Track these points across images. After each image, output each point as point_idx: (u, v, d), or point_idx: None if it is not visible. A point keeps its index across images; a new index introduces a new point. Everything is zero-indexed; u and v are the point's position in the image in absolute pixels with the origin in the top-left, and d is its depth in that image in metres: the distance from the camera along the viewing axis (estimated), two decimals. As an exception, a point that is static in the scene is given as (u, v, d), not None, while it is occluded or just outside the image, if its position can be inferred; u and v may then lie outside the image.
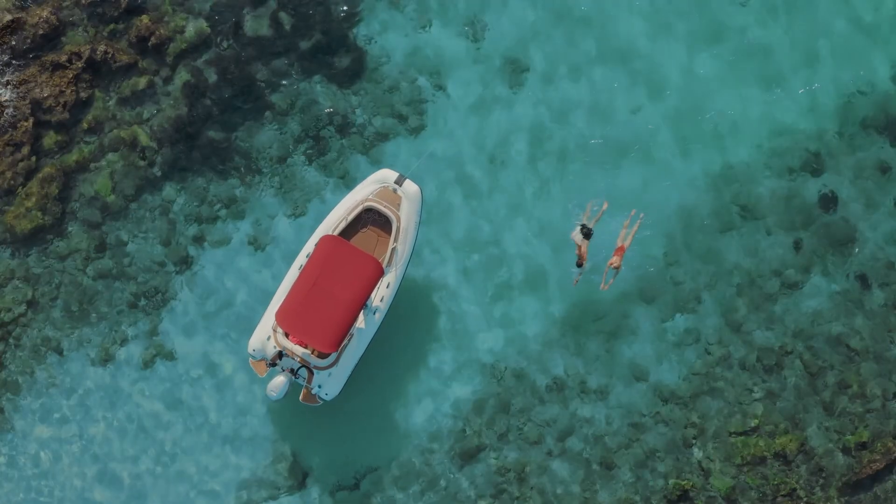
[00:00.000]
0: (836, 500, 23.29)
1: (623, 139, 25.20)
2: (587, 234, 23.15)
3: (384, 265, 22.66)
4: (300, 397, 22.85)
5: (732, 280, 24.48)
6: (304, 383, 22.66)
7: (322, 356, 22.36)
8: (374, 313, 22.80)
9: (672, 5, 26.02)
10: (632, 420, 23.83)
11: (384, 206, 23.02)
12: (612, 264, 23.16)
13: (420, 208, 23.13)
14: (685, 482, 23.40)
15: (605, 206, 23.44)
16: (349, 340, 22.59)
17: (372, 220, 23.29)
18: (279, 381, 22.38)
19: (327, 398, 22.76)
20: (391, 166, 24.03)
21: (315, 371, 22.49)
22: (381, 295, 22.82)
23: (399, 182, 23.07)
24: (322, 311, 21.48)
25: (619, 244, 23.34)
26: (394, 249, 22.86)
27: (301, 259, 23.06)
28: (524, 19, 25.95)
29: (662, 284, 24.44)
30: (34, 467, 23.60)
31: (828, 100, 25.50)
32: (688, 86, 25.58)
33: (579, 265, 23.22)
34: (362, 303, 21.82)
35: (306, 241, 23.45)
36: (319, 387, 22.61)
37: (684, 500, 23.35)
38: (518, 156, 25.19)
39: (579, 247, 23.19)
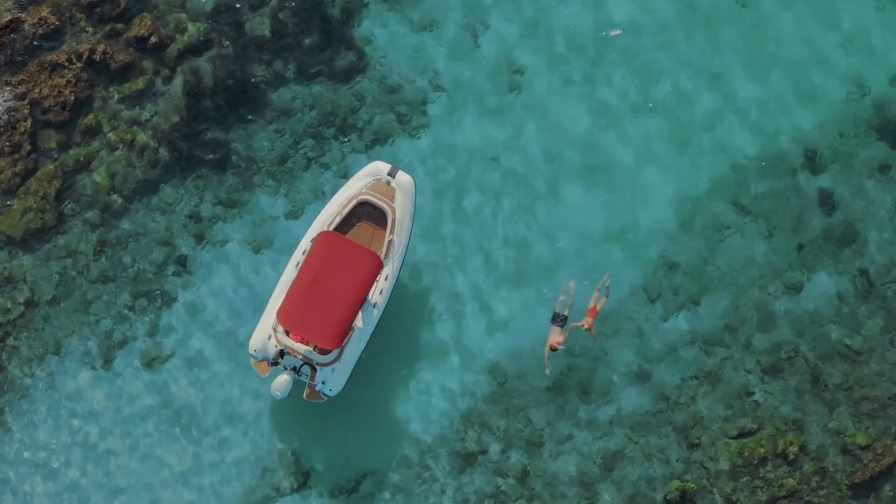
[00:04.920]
0: (837, 502, 23.26)
1: (624, 138, 25.23)
2: (561, 322, 23.03)
3: (382, 258, 22.61)
4: (304, 395, 22.78)
5: (733, 281, 24.46)
6: (308, 381, 22.60)
7: (324, 352, 22.31)
8: (374, 307, 22.75)
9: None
10: (632, 421, 23.79)
11: (378, 199, 22.98)
12: (582, 326, 22.95)
13: (414, 199, 23.10)
14: (686, 483, 23.37)
15: (572, 289, 23.32)
16: (350, 335, 22.53)
17: (367, 213, 23.25)
18: (282, 379, 22.33)
19: (331, 394, 22.68)
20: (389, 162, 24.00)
21: (318, 368, 22.44)
22: (380, 288, 22.78)
23: (392, 174, 23.04)
24: (323, 307, 21.43)
25: (592, 305, 23.22)
26: (390, 242, 22.81)
27: (298, 257, 23.00)
28: (524, 20, 25.92)
29: (663, 285, 24.42)
30: (33, 468, 23.53)
31: (828, 101, 25.50)
32: (687, 87, 25.59)
33: (553, 349, 23.03)
34: (363, 297, 21.77)
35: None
36: (323, 383, 22.54)
37: (685, 501, 23.31)
38: (517, 154, 25.19)
39: (553, 334, 22.98)
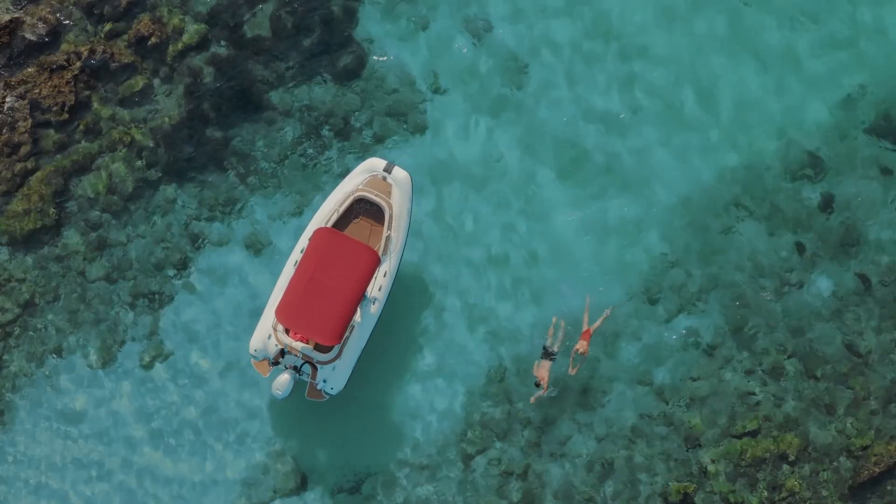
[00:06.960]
0: (837, 503, 23.24)
1: (625, 138, 25.23)
2: (549, 356, 23.02)
3: (379, 254, 22.58)
4: (306, 393, 22.76)
5: (734, 282, 24.45)
6: (309, 380, 22.57)
7: (324, 350, 22.28)
8: (373, 303, 22.71)
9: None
10: (633, 422, 23.77)
11: (375, 195, 22.96)
12: (577, 349, 22.99)
13: (411, 195, 23.08)
14: (686, 484, 23.34)
15: (563, 325, 23.32)
16: (350, 332, 22.50)
17: (364, 210, 23.23)
18: (284, 379, 22.29)
19: (333, 392, 22.64)
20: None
21: (319, 366, 22.41)
22: (379, 284, 22.74)
23: (388, 170, 23.03)
24: (321, 304, 21.35)
25: (585, 328, 23.25)
26: (388, 238, 22.79)
27: (296, 255, 22.97)
28: (524, 20, 25.92)
29: (663, 286, 24.40)
30: (33, 468, 23.51)
31: (829, 102, 25.50)
32: (688, 85, 25.60)
33: (537, 385, 22.98)
34: (361, 293, 21.72)
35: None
36: (324, 381, 22.51)
37: (686, 502, 23.29)
38: (516, 154, 25.17)
39: (540, 369, 22.97)
